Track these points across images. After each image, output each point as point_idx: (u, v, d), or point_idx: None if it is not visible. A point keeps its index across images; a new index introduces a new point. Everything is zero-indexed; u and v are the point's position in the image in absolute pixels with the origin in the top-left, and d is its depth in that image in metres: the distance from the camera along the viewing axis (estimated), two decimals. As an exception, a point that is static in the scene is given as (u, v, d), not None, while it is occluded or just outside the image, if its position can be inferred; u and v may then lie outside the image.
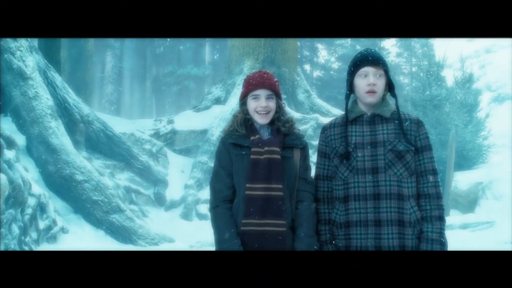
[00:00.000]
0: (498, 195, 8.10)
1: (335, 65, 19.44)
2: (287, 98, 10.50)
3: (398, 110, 2.04)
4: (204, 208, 8.11)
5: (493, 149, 10.81)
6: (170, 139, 10.11)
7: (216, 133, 9.25)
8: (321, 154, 2.14)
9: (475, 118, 11.19)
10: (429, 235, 1.97)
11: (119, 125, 9.37)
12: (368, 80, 2.00)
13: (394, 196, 1.96)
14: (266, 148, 2.01)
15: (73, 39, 11.91)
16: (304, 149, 2.11)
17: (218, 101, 10.99)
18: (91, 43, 13.38)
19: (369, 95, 2.01)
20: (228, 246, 1.93)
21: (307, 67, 19.43)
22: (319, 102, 11.26)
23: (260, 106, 2.05)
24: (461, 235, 6.31)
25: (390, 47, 18.80)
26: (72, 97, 7.59)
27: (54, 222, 5.88)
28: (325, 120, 9.82)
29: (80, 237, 6.10)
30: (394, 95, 2.09)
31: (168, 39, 19.56)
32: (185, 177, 9.14)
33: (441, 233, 1.97)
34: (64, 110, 7.33)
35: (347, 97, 2.11)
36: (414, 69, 18.32)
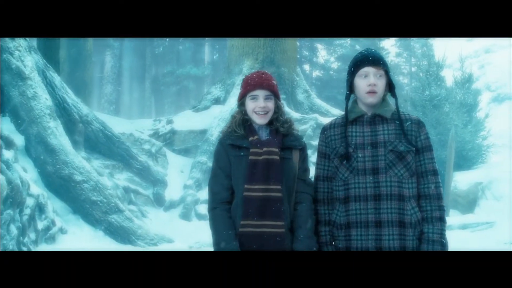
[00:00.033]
0: (497, 195, 8.09)
1: (335, 65, 19.44)
2: (287, 98, 10.49)
3: (398, 111, 2.03)
4: (203, 209, 8.09)
5: (492, 149, 10.81)
6: (169, 139, 10.10)
7: (215, 133, 9.24)
8: (321, 154, 2.12)
9: (474, 118, 11.19)
10: (430, 236, 1.96)
11: (118, 125, 9.36)
12: (369, 81, 1.99)
13: (395, 197, 1.95)
14: (264, 149, 2.00)
15: (72, 39, 11.90)
16: (303, 150, 2.10)
17: (217, 101, 10.98)
18: (90, 43, 13.37)
19: (369, 96, 2.00)
20: (226, 248, 1.91)
21: (306, 67, 19.43)
22: (319, 102, 11.26)
23: (259, 107, 2.04)
24: (461, 235, 6.30)
25: (389, 47, 18.80)
26: (71, 97, 7.57)
27: (53, 222, 5.86)
28: (325, 120, 9.81)
29: (79, 237, 6.09)
30: (394, 95, 2.08)
31: (168, 39, 19.54)
32: (184, 177, 9.12)
33: (441, 234, 1.96)
34: (63, 110, 7.32)
35: (347, 98, 2.10)
36: (413, 69, 18.32)
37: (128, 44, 19.18)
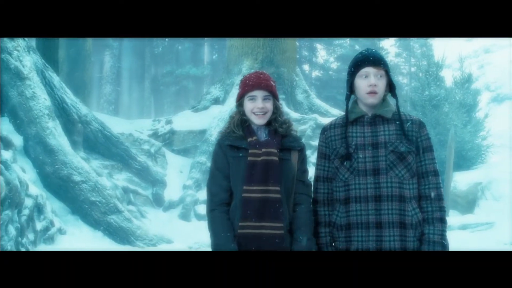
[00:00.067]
0: (497, 195, 8.08)
1: (334, 65, 19.43)
2: (286, 98, 10.48)
3: (398, 111, 2.03)
4: (203, 209, 8.08)
5: (492, 149, 10.80)
6: (168, 139, 10.09)
7: (214, 133, 9.22)
8: (321, 155, 2.11)
9: (474, 118, 11.19)
10: (431, 237, 1.95)
11: (117, 125, 9.35)
12: (369, 81, 1.98)
13: (396, 198, 1.94)
14: (263, 150, 1.99)
15: (72, 39, 11.88)
16: (301, 151, 2.09)
17: (216, 101, 10.97)
18: (90, 43, 13.36)
19: (370, 96, 1.99)
20: (225, 250, 1.90)
21: (306, 67, 19.42)
22: (318, 102, 11.25)
23: (257, 107, 2.03)
24: (461, 236, 6.29)
25: (389, 47, 18.81)
26: (70, 97, 7.56)
27: (52, 223, 5.85)
28: (324, 120, 9.81)
29: (78, 238, 6.07)
30: (395, 95, 2.07)
31: (167, 39, 19.52)
32: (184, 178, 9.11)
33: (442, 235, 1.95)
34: (61, 110, 7.30)
35: (348, 98, 2.08)
36: (413, 69, 18.32)
37: (127, 44, 19.16)
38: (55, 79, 7.41)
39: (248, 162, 1.97)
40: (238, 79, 10.25)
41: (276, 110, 2.08)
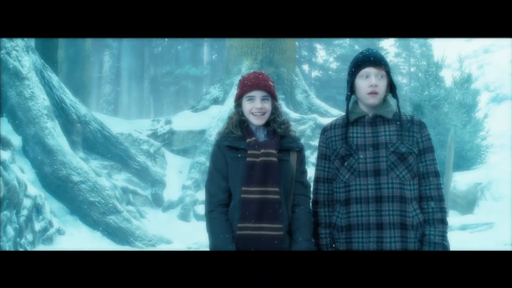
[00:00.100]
0: (497, 196, 8.08)
1: (334, 65, 19.43)
2: (286, 98, 10.47)
3: (399, 111, 2.02)
4: (202, 209, 8.05)
5: (491, 149, 10.79)
6: (168, 139, 10.08)
7: (214, 134, 9.21)
8: (321, 155, 2.10)
9: (473, 119, 11.18)
10: (432, 238, 1.94)
11: (117, 126, 9.34)
12: (370, 81, 1.97)
13: (397, 199, 1.93)
14: (262, 151, 1.98)
15: (71, 39, 11.87)
16: (300, 152, 2.07)
17: (216, 101, 10.96)
18: (89, 43, 13.34)
19: (370, 96, 1.98)
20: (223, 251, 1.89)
21: (305, 67, 19.42)
22: (318, 102, 11.24)
23: (255, 108, 2.01)
24: (461, 236, 6.29)
25: (388, 47, 18.80)
26: (69, 97, 7.54)
27: (50, 223, 5.83)
28: (324, 121, 9.80)
29: (77, 238, 6.06)
30: (395, 96, 2.06)
31: (166, 39, 19.51)
32: (183, 178, 9.10)
33: (443, 236, 1.95)
34: (60, 111, 7.29)
35: (348, 98, 2.07)
36: (412, 69, 18.32)
37: (127, 44, 19.14)
38: (54, 79, 7.40)
39: (247, 163, 1.96)
40: (237, 79, 10.22)
41: (275, 110, 2.07)
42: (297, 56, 15.06)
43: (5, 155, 5.64)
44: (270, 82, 2.06)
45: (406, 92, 14.17)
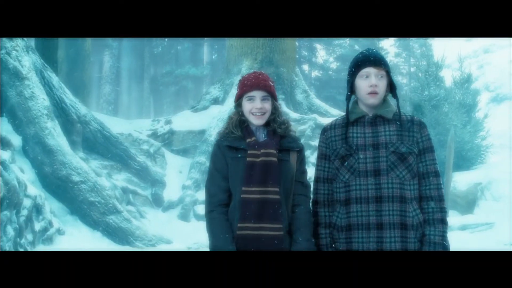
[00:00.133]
0: (497, 196, 8.07)
1: (334, 65, 19.43)
2: (286, 98, 10.47)
3: (399, 111, 2.02)
4: (202, 209, 8.05)
5: (491, 149, 10.79)
6: (168, 139, 10.07)
7: (214, 134, 9.21)
8: (322, 155, 2.09)
9: (473, 119, 11.17)
10: (432, 238, 1.94)
11: (117, 126, 9.33)
12: (370, 81, 1.97)
13: (397, 199, 1.93)
14: (262, 151, 1.98)
15: (71, 39, 11.86)
16: (300, 152, 2.07)
17: (216, 101, 10.96)
18: (89, 43, 13.34)
19: (371, 97, 1.98)
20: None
21: (305, 67, 19.41)
22: (318, 102, 11.24)
23: (255, 108, 2.01)
24: (461, 236, 6.29)
25: (388, 47, 18.79)
26: (69, 97, 7.54)
27: (50, 223, 5.83)
28: (324, 121, 9.79)
29: (77, 238, 6.05)
30: (395, 96, 2.06)
31: (166, 39, 19.50)
32: (183, 178, 9.10)
33: (443, 236, 1.95)
34: (60, 111, 7.28)
35: (348, 98, 2.07)
36: (412, 69, 18.31)
37: (127, 44, 19.14)
38: (54, 79, 7.40)
39: (247, 163, 1.96)
40: (237, 79, 10.21)
41: (275, 110, 2.07)
42: (297, 56, 15.05)
43: (5, 155, 5.64)
44: (270, 82, 2.06)
45: (406, 92, 14.16)
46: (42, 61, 7.30)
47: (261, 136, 2.05)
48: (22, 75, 6.56)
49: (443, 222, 1.96)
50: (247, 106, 2.03)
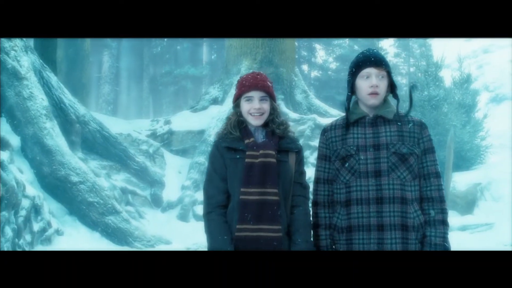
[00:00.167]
0: (496, 196, 8.07)
1: (333, 65, 19.42)
2: (285, 99, 10.46)
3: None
4: (201, 209, 7.99)
5: (491, 149, 10.79)
6: (167, 139, 10.06)
7: (213, 134, 9.20)
8: (322, 156, 2.08)
9: (473, 119, 11.17)
10: (433, 239, 1.93)
11: (116, 126, 9.32)
12: (371, 82, 1.95)
13: (398, 200, 1.91)
14: (261, 152, 1.96)
15: (70, 39, 11.85)
16: (299, 153, 2.06)
17: (215, 101, 10.95)
18: (88, 43, 13.32)
19: (371, 97, 1.96)
20: None
21: (305, 67, 19.40)
22: (317, 102, 11.23)
23: (254, 108, 2.00)
24: (460, 237, 6.28)
25: (388, 47, 18.80)
26: (68, 97, 7.52)
27: (49, 224, 5.81)
28: (323, 121, 9.78)
29: (75, 239, 6.04)
30: (396, 96, 2.05)
31: (166, 39, 19.49)
32: (182, 178, 9.08)
33: (444, 238, 1.94)
34: (59, 111, 7.26)
35: (349, 99, 2.05)
36: (412, 69, 18.32)
37: (126, 44, 19.12)
38: (53, 79, 7.38)
39: (246, 164, 1.95)
40: (237, 79, 10.20)
41: (273, 111, 2.05)
42: (297, 56, 15.04)
43: (4, 155, 5.62)
44: (268, 83, 2.05)
45: (405, 92, 14.16)
46: (41, 61, 7.28)
47: (260, 137, 2.03)
48: (20, 75, 6.54)
49: (444, 223, 1.96)
50: (245, 106, 2.02)
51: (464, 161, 10.03)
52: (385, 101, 2.02)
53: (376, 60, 1.96)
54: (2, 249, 4.87)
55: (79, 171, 6.51)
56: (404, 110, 2.08)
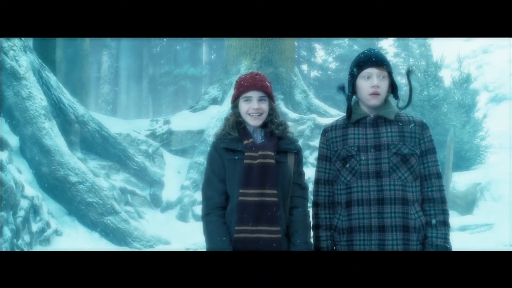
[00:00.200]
0: (496, 196, 8.06)
1: (333, 65, 19.41)
2: (285, 98, 10.45)
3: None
4: (201, 210, 8.03)
5: (490, 149, 10.79)
6: (166, 139, 10.05)
7: (213, 134, 9.18)
8: (322, 157, 2.07)
9: (472, 119, 11.17)
10: (434, 240, 1.92)
11: (115, 126, 9.31)
12: (372, 82, 1.94)
13: (399, 201, 1.90)
14: (260, 153, 1.95)
15: (69, 39, 11.83)
16: (298, 153, 2.05)
17: (215, 101, 10.94)
18: (87, 42, 13.30)
19: (372, 97, 1.95)
20: None
21: (304, 67, 19.39)
22: (317, 102, 11.22)
23: (252, 108, 1.98)
24: (460, 237, 6.27)
25: (387, 47, 18.79)
26: (67, 97, 7.51)
27: (48, 224, 5.80)
28: (323, 121, 9.78)
29: (74, 239, 6.03)
30: (397, 97, 2.03)
31: (165, 39, 19.47)
32: (182, 178, 9.07)
33: (445, 239, 1.93)
34: (58, 111, 7.25)
35: (349, 99, 2.04)
36: (411, 69, 18.27)
37: (125, 44, 19.10)
38: (52, 79, 7.36)
39: (244, 165, 1.93)
40: (236, 79, 10.20)
41: (272, 111, 2.04)
42: (296, 56, 15.03)
43: (2, 155, 5.61)
44: (267, 83, 2.03)
45: (405, 92, 14.16)
46: (40, 61, 7.27)
47: (259, 138, 2.02)
48: (19, 75, 6.53)
49: (446, 224, 1.95)
50: (244, 107, 2.00)
51: (464, 161, 10.02)
52: (386, 101, 2.01)
53: (377, 60, 1.95)
54: (0, 250, 4.86)
55: (78, 171, 6.50)
56: (404, 110, 2.06)
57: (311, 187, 2.10)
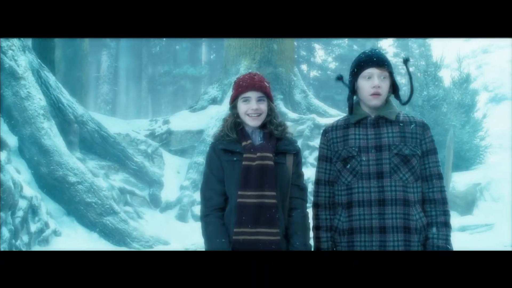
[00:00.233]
0: (496, 196, 8.06)
1: (332, 65, 19.40)
2: (284, 98, 10.44)
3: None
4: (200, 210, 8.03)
5: (490, 149, 10.78)
6: (165, 139, 10.04)
7: (212, 134, 9.17)
8: (322, 157, 2.05)
9: (472, 119, 11.17)
10: (435, 241, 1.91)
11: (114, 126, 9.30)
12: (373, 82, 1.92)
13: (400, 202, 1.89)
14: (258, 154, 1.93)
15: (69, 39, 11.81)
16: (297, 154, 2.03)
17: (214, 101, 10.93)
18: (86, 42, 13.29)
19: (373, 98, 1.94)
20: None
21: (304, 67, 19.39)
22: (316, 102, 11.21)
23: (251, 109, 1.96)
24: (460, 237, 6.26)
25: (387, 47, 18.79)
26: (66, 97, 7.49)
27: (46, 224, 5.78)
28: (322, 121, 9.77)
29: (73, 240, 6.01)
30: (398, 97, 2.02)
31: (164, 39, 19.46)
32: (181, 178, 9.06)
33: (447, 240, 1.92)
34: (57, 111, 7.23)
35: (350, 99, 2.02)
36: (411, 69, 18.30)
37: (125, 44, 19.09)
38: (51, 79, 7.35)
39: (243, 167, 1.92)
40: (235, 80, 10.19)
41: (271, 112, 2.02)
42: (296, 56, 15.02)
43: (1, 155, 5.59)
44: (265, 83, 2.02)
45: (405, 92, 14.15)
46: (39, 60, 7.25)
47: (257, 139, 2.00)
48: (18, 75, 6.51)
49: (447, 225, 1.94)
50: (242, 107, 1.99)
51: (464, 161, 10.02)
52: (387, 101, 2.00)
53: (378, 60, 1.93)
54: (-1, 250, 4.85)
55: (77, 171, 6.48)
56: (404, 110, 2.06)
57: (311, 187, 2.09)
